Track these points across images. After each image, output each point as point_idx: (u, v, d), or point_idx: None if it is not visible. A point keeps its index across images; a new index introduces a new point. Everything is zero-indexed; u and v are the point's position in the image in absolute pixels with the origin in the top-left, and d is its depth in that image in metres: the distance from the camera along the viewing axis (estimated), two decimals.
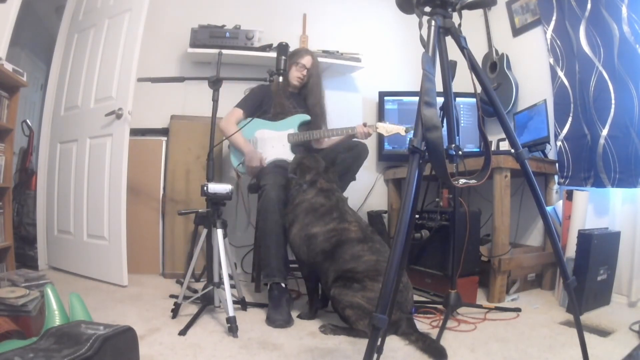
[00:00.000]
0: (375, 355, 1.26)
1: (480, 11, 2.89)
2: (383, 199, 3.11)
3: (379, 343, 1.30)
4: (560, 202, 2.23)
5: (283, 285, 1.87)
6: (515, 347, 1.45)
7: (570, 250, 1.97)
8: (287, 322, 1.69)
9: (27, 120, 3.13)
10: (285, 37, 2.29)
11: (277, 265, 1.88)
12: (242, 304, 1.90)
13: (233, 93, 2.86)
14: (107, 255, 2.34)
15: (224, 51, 2.09)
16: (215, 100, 1.85)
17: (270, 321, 1.70)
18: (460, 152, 1.25)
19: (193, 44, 2.74)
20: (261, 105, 2.35)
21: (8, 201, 2.17)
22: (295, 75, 2.39)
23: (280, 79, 1.90)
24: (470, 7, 1.25)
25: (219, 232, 1.75)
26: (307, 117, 2.33)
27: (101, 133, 2.43)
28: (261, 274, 1.93)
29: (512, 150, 1.17)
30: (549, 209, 2.27)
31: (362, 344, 0.96)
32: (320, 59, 2.89)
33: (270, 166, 2.22)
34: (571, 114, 2.26)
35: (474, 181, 1.16)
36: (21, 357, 0.83)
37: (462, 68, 1.31)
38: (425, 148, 1.01)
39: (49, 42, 3.06)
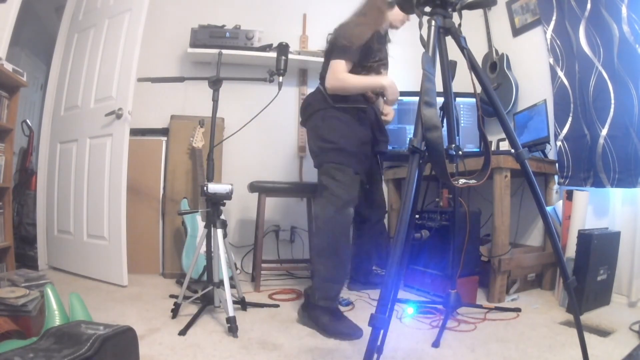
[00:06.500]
0: (375, 355, 1.26)
1: (480, 11, 2.89)
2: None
3: (379, 343, 1.30)
4: (560, 202, 2.23)
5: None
6: (515, 347, 1.45)
7: (570, 250, 1.97)
8: (362, 331, 1.55)
9: (27, 120, 3.14)
10: (285, 37, 2.29)
11: (340, 289, 1.71)
12: (242, 304, 1.90)
13: (233, 93, 2.88)
14: (107, 255, 2.34)
15: (224, 51, 2.09)
16: (215, 100, 1.85)
17: (344, 335, 1.53)
18: (460, 152, 1.25)
19: (193, 44, 2.74)
20: (369, 53, 1.85)
21: (8, 201, 2.17)
22: (401, 19, 1.94)
23: (280, 78, 1.87)
24: (470, 7, 1.25)
25: (219, 232, 1.76)
26: None
27: (101, 133, 2.43)
28: (317, 294, 1.66)
29: (512, 150, 1.17)
30: (549, 209, 2.27)
31: (362, 344, 0.96)
32: (320, 59, 2.88)
33: (352, 151, 1.75)
34: (571, 114, 2.26)
35: (473, 181, 1.16)
36: (21, 357, 0.83)
37: (462, 68, 1.31)
38: (425, 148, 1.01)
39: (49, 42, 3.06)
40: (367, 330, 0.95)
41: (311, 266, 2.16)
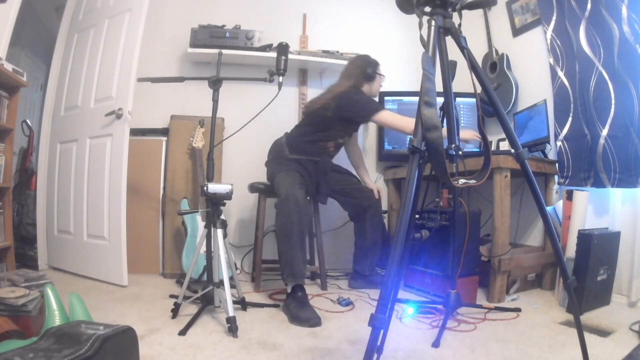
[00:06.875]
0: (375, 355, 1.26)
1: (480, 11, 2.89)
2: (383, 199, 3.11)
3: (379, 343, 1.30)
4: (560, 202, 2.23)
5: (304, 286, 1.92)
6: (515, 347, 1.45)
7: (570, 250, 1.97)
8: (320, 319, 1.72)
9: (27, 120, 3.13)
10: (285, 37, 2.29)
11: (302, 267, 1.93)
12: (242, 304, 1.90)
13: (233, 93, 2.88)
14: (107, 255, 2.34)
15: (224, 51, 2.09)
16: (215, 100, 1.85)
17: (302, 321, 1.71)
18: (460, 152, 1.25)
19: (193, 44, 2.74)
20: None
21: (8, 201, 2.17)
22: (379, 88, 2.48)
23: (280, 78, 1.89)
24: (470, 7, 1.25)
25: (219, 232, 1.76)
26: None
27: (101, 133, 2.43)
28: (284, 273, 1.93)
29: (512, 150, 1.17)
30: (549, 209, 2.27)
31: (362, 344, 0.96)
32: (320, 59, 2.90)
33: (294, 165, 2.25)
34: (571, 114, 2.26)
35: (473, 181, 1.16)
36: (21, 357, 0.82)
37: (462, 68, 1.31)
38: (425, 148, 1.01)
39: (49, 42, 3.07)
40: (367, 330, 0.95)
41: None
